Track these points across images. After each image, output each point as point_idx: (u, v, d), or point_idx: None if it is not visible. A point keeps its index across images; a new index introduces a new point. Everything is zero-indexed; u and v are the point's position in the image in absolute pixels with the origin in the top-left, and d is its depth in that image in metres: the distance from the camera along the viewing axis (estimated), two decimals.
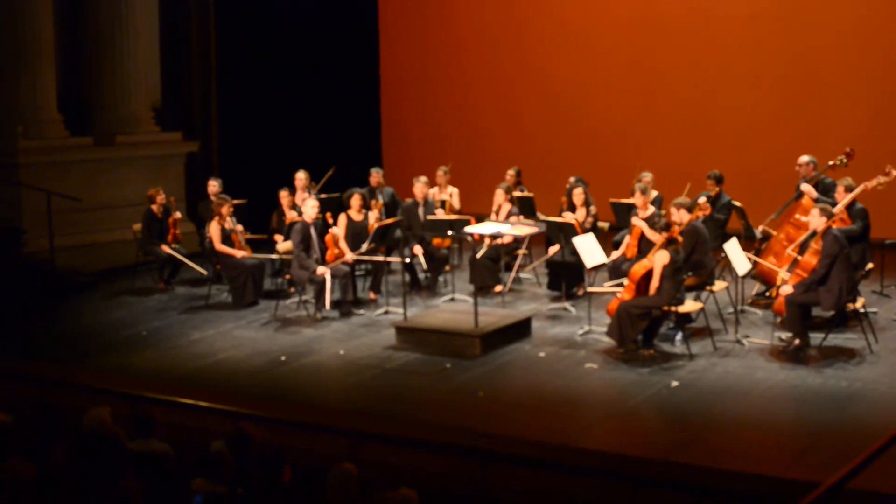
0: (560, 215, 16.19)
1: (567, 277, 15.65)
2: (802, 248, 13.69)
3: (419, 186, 16.82)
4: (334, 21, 22.64)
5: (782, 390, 12.11)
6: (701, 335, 13.75)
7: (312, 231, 15.34)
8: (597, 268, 14.79)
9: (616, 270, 15.01)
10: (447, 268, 16.98)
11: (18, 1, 18.43)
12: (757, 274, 14.96)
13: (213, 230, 16.14)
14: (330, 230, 15.61)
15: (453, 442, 10.55)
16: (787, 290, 13.12)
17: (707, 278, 13.95)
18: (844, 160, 15.28)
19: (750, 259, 14.27)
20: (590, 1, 21.28)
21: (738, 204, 15.73)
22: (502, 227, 15.75)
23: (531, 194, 17.57)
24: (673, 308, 13.15)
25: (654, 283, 13.03)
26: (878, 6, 18.89)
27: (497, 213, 16.53)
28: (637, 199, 15.18)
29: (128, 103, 19.83)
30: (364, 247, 15.68)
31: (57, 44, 19.14)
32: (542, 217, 16.83)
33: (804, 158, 15.57)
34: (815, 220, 13.22)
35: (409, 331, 14.13)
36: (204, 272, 16.89)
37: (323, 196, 17.02)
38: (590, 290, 15.01)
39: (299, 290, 15.66)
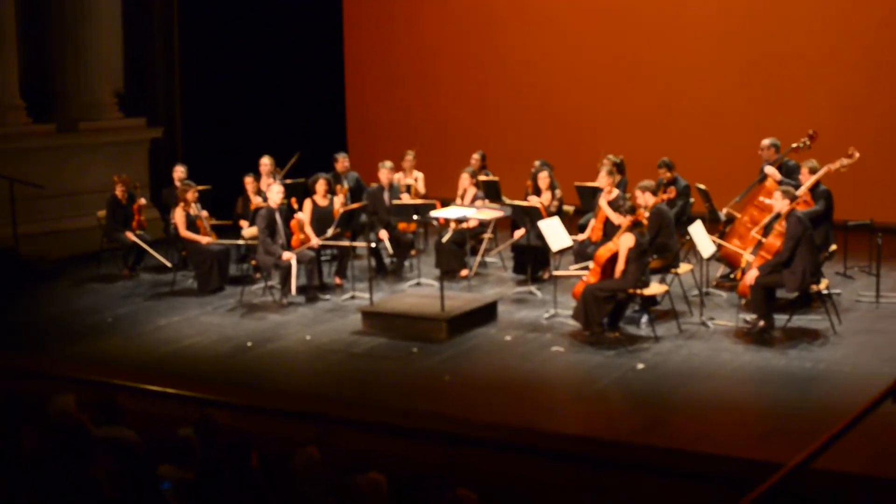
0: (525, 199, 16.21)
1: (532, 261, 15.67)
2: (766, 230, 13.76)
3: (384, 171, 16.81)
4: (298, 4, 22.54)
5: (747, 372, 12.20)
6: (666, 318, 13.81)
7: (278, 216, 15.31)
8: (562, 251, 14.82)
9: (581, 254, 15.03)
10: (413, 252, 16.97)
11: None
12: (721, 256, 15.02)
13: (178, 216, 16.09)
14: (295, 215, 15.59)
15: (420, 426, 10.59)
16: (752, 275, 13.12)
17: (672, 261, 14.01)
18: (808, 142, 15.35)
19: (714, 242, 14.33)
20: None
21: (702, 186, 15.79)
22: (468, 211, 15.75)
23: (496, 178, 17.57)
24: (638, 291, 13.19)
25: (620, 266, 13.07)
26: None
27: (462, 198, 16.53)
28: (602, 182, 15.20)
29: (90, 89, 19.76)
30: (329, 232, 15.67)
31: (19, 29, 19.05)
32: (507, 201, 16.82)
33: (766, 142, 15.61)
34: (779, 203, 13.29)
35: (376, 315, 14.13)
36: (168, 263, 16.76)
37: (288, 181, 16.99)
38: (555, 273, 15.03)
39: (265, 275, 15.63)
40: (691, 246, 14.43)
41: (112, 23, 20.26)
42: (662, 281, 14.18)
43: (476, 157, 17.92)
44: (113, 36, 20.30)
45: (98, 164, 19.45)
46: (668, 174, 15.74)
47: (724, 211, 15.52)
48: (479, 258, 16.61)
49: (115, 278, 16.97)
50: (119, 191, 16.97)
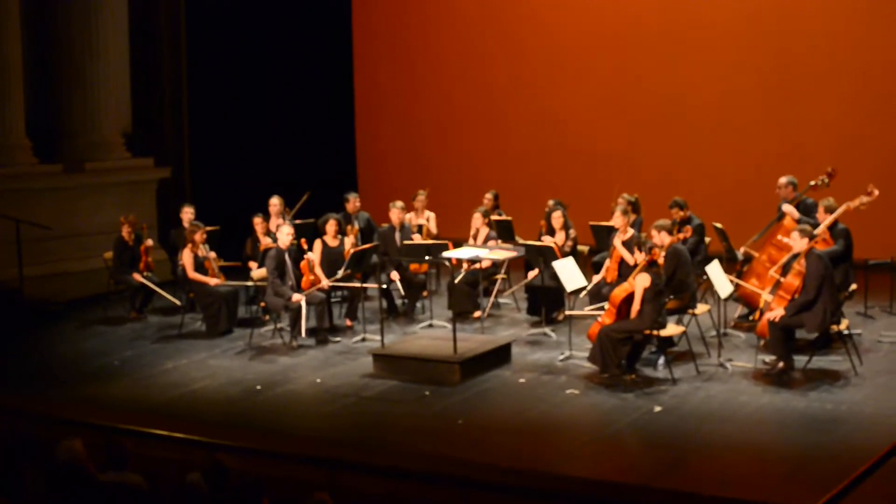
0: (539, 239, 16.05)
1: (547, 302, 15.52)
2: (785, 270, 13.59)
3: (395, 211, 16.68)
4: (308, 44, 22.51)
5: (766, 414, 12.02)
6: (683, 359, 13.64)
7: (287, 257, 15.17)
8: (577, 292, 14.66)
9: (596, 294, 14.86)
10: (425, 293, 16.83)
11: None
12: (739, 296, 14.84)
13: (186, 258, 15.94)
14: (305, 256, 15.43)
15: (433, 470, 10.44)
16: (777, 313, 12.96)
17: (689, 301, 13.82)
18: (826, 180, 15.22)
19: (732, 281, 14.16)
20: (568, 22, 21.18)
21: (719, 225, 15.65)
22: (480, 251, 15.60)
23: (509, 218, 17.45)
24: (655, 332, 13.00)
25: (636, 306, 12.91)
26: (856, 24, 18.84)
27: (475, 238, 16.41)
28: (617, 221, 15.04)
29: (98, 129, 19.70)
30: (340, 273, 15.52)
31: (25, 69, 18.98)
32: (520, 241, 16.70)
33: (783, 180, 15.50)
34: (797, 242, 13.14)
35: (387, 358, 13.96)
36: (177, 302, 16.66)
37: (298, 222, 16.91)
38: (570, 314, 14.86)
39: (274, 317, 15.50)
40: (708, 286, 14.25)
41: (120, 62, 20.20)
42: (679, 322, 14.00)
43: (489, 196, 17.79)
44: (120, 75, 20.24)
45: (105, 204, 19.36)
46: (682, 213, 15.58)
47: (742, 250, 15.39)
48: (492, 299, 16.47)
49: (122, 321, 16.82)
50: (126, 232, 16.83)
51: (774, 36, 19.37)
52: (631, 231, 15.03)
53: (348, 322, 16.00)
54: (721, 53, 19.79)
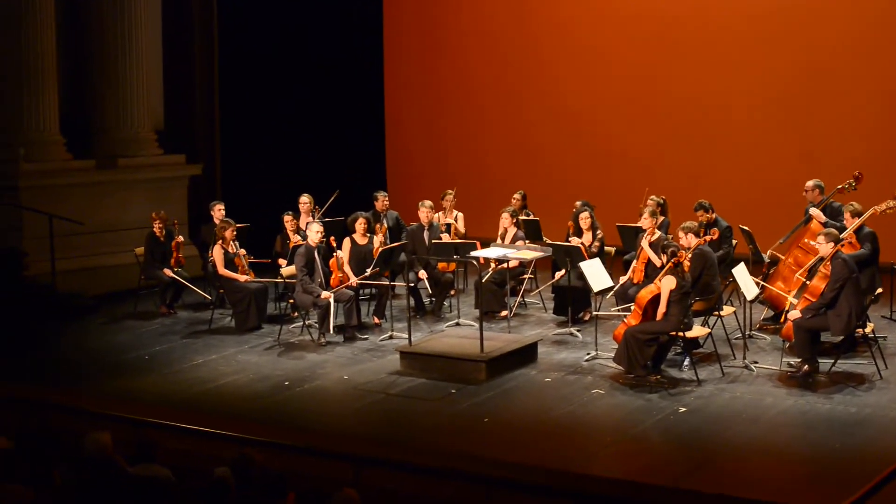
0: (566, 239, 16.10)
1: (573, 302, 15.55)
2: (811, 273, 13.60)
3: (424, 210, 16.74)
4: (338, 44, 22.58)
5: (791, 416, 12.00)
6: (709, 360, 13.65)
7: (316, 255, 15.25)
8: (603, 292, 14.70)
9: (623, 295, 14.90)
10: (452, 292, 16.90)
11: (22, 23, 18.35)
12: (765, 299, 14.86)
13: (217, 254, 16.04)
14: (334, 254, 15.51)
15: (458, 468, 10.46)
16: (795, 314, 13.05)
17: (715, 303, 13.84)
18: (853, 184, 15.22)
19: (758, 284, 14.17)
20: (596, 23, 21.19)
21: (746, 228, 15.65)
22: (508, 251, 15.66)
23: (537, 218, 17.50)
24: (680, 333, 13.03)
25: (662, 308, 12.93)
26: (883, 26, 18.80)
27: (503, 238, 16.45)
28: (645, 223, 15.06)
29: (130, 126, 19.75)
30: (368, 271, 15.58)
31: (59, 66, 19.07)
32: (548, 241, 16.73)
33: (810, 183, 15.51)
34: (823, 246, 13.14)
35: (414, 356, 14.01)
36: (208, 296, 16.80)
37: (327, 220, 16.98)
38: (596, 314, 14.91)
39: (303, 314, 15.57)
40: (734, 288, 14.27)
41: (153, 59, 20.28)
42: (705, 323, 14.02)
43: (517, 196, 17.81)
44: (153, 72, 20.32)
45: (137, 200, 19.42)
46: (707, 216, 15.58)
47: (768, 253, 15.40)
48: (518, 299, 16.51)
49: (152, 315, 16.94)
50: (157, 227, 16.95)
51: (803, 38, 19.33)
52: (658, 233, 15.06)
53: (376, 320, 16.06)
54: (749, 55, 19.76)
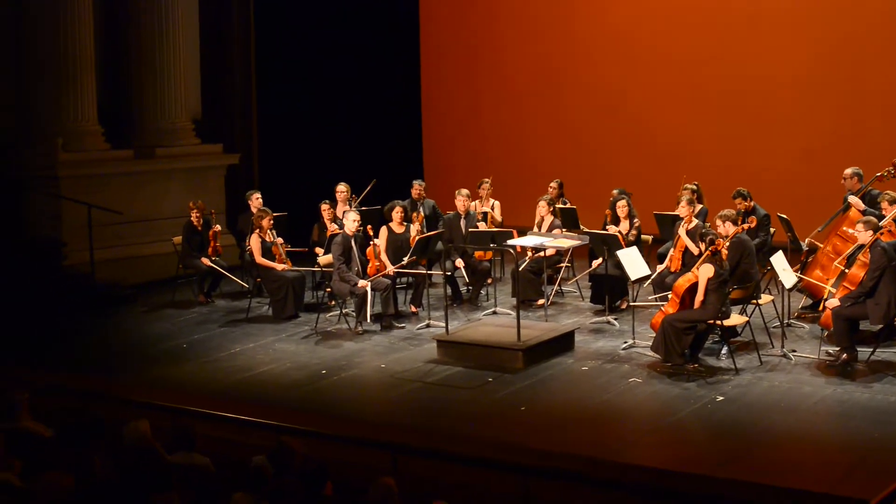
0: (604, 228, 16.07)
1: (610, 291, 15.53)
2: (850, 261, 13.55)
3: (461, 199, 16.74)
4: (375, 32, 22.59)
5: (829, 405, 11.95)
6: (746, 349, 13.60)
7: (353, 244, 15.27)
8: (640, 281, 14.68)
9: (660, 283, 14.87)
10: (489, 281, 16.91)
11: (60, 13, 18.42)
12: (803, 287, 14.80)
13: (254, 243, 16.09)
14: (371, 243, 15.53)
15: (495, 456, 10.47)
16: (833, 303, 13.01)
17: (753, 291, 13.78)
18: (893, 171, 15.12)
19: (796, 272, 14.11)
20: (634, 9, 21.14)
21: (784, 216, 15.58)
22: (545, 239, 15.64)
23: (574, 206, 17.47)
24: (718, 322, 12.99)
25: (699, 296, 12.89)
26: None
27: (539, 226, 16.44)
28: (682, 211, 15.01)
29: (168, 116, 19.81)
30: (405, 259, 15.60)
31: (98, 56, 19.13)
32: (585, 229, 16.71)
33: (849, 171, 15.42)
34: (862, 234, 13.09)
35: (451, 344, 14.02)
36: (245, 285, 16.87)
37: (364, 208, 16.99)
38: (633, 305, 14.88)
39: (340, 303, 15.60)
40: (772, 276, 14.21)
41: (190, 49, 20.33)
42: (743, 312, 13.95)
43: (553, 185, 17.80)
44: (191, 62, 20.36)
45: (174, 190, 19.49)
46: (745, 203, 15.53)
47: (807, 241, 15.33)
48: (555, 287, 16.49)
49: (190, 304, 17.01)
50: (194, 217, 17.01)
51: (844, 23, 19.24)
52: (696, 221, 15.01)
53: (413, 308, 16.07)
54: (788, 41, 19.68)
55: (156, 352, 14.82)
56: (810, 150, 19.39)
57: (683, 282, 13.10)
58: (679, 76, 20.70)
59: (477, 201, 17.79)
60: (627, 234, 15.76)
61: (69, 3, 18.49)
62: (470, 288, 16.75)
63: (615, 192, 16.66)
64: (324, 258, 16.04)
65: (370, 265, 15.40)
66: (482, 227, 16.88)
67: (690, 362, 13.07)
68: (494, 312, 15.93)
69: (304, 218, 17.63)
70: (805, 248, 15.34)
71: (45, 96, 18.65)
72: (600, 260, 15.63)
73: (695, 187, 16.14)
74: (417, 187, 17.91)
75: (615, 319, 15.21)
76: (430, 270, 16.24)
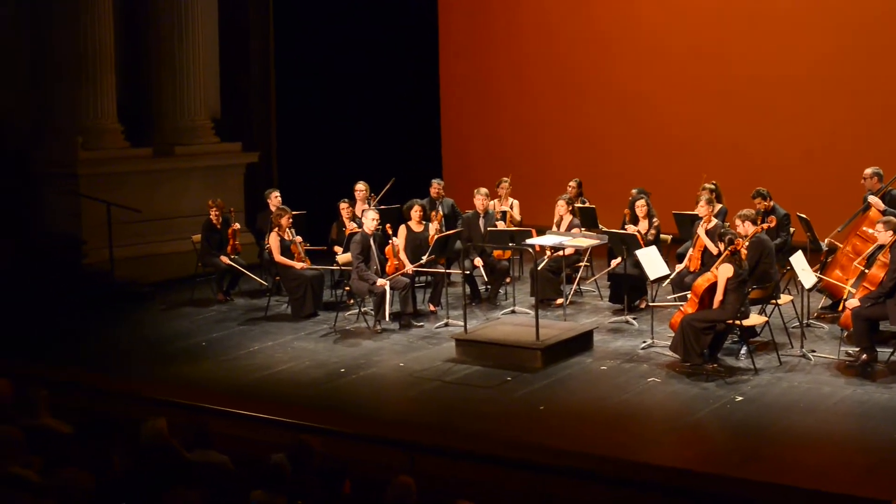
0: (622, 227, 16.05)
1: (629, 290, 15.51)
2: (869, 262, 13.51)
3: (479, 198, 16.72)
4: (394, 31, 22.58)
5: (849, 405, 11.92)
6: (766, 349, 13.59)
7: (372, 242, 15.27)
8: (659, 280, 14.65)
9: (679, 283, 14.85)
10: (508, 280, 16.89)
11: (80, 11, 18.47)
12: (823, 287, 14.76)
13: (273, 241, 16.10)
14: (390, 241, 15.53)
15: (514, 455, 10.47)
16: (853, 303, 12.97)
17: (772, 291, 13.76)
18: None
19: (815, 272, 14.08)
20: (654, 11, 21.09)
21: (803, 216, 15.55)
22: (564, 238, 15.64)
23: (593, 206, 17.45)
24: (737, 322, 12.96)
25: (718, 296, 12.87)
26: None
27: (558, 225, 16.41)
28: (701, 210, 14.99)
29: (187, 114, 19.83)
30: (424, 258, 15.59)
31: (117, 54, 19.17)
32: (604, 229, 16.69)
33: (869, 171, 15.37)
34: (882, 234, 13.06)
35: (470, 343, 14.02)
36: (264, 283, 16.89)
37: (383, 207, 16.98)
38: (652, 304, 14.86)
39: (359, 301, 15.60)
40: (792, 276, 14.19)
41: (209, 47, 20.37)
42: (762, 312, 13.93)
43: (572, 184, 17.77)
44: (210, 60, 20.40)
45: (193, 188, 19.53)
46: (765, 203, 15.50)
47: (826, 241, 15.30)
48: (574, 286, 16.48)
49: (209, 302, 17.04)
50: (213, 215, 17.02)
51: (865, 22, 19.16)
52: (715, 220, 14.98)
53: (432, 307, 16.08)
54: (808, 40, 19.60)
55: (174, 350, 14.85)
56: (830, 150, 19.32)
57: (702, 281, 13.08)
58: (699, 75, 20.63)
59: (496, 200, 17.76)
60: (646, 233, 15.74)
61: (89, 4, 18.54)
62: (489, 287, 16.74)
63: (634, 191, 16.63)
64: (342, 257, 16.05)
65: (389, 264, 15.41)
66: (501, 226, 16.86)
67: (709, 362, 13.05)
68: (513, 311, 15.93)
69: (323, 216, 17.64)
70: (825, 248, 15.31)
71: (64, 95, 18.71)
72: (619, 259, 15.61)
73: (714, 187, 16.11)
74: (436, 186, 17.92)
75: (634, 319, 15.19)
76: (449, 269, 16.24)
